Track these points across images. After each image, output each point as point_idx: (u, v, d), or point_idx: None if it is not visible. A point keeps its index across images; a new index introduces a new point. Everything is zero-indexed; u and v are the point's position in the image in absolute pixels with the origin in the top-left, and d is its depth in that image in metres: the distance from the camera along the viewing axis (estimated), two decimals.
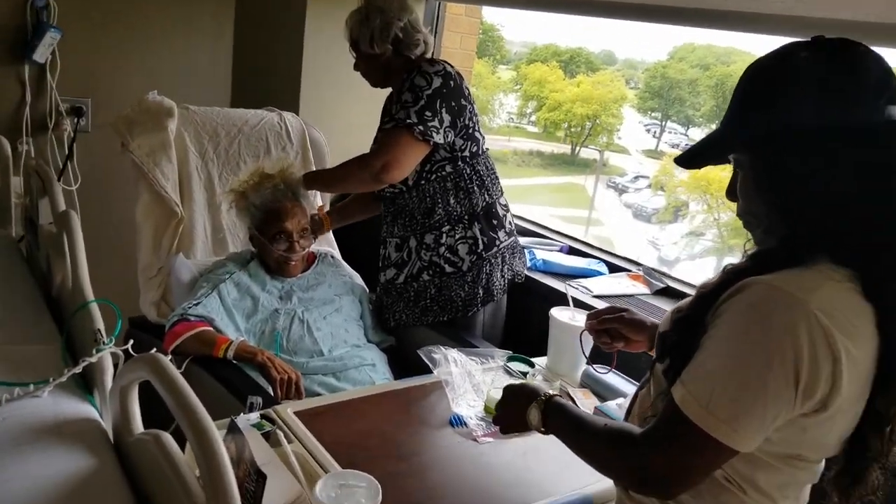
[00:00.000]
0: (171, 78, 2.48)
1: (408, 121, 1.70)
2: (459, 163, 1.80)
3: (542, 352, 1.64)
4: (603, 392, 1.50)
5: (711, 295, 0.86)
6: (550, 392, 1.02)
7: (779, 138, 0.83)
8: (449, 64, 1.80)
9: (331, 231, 2.18)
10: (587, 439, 0.94)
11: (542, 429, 1.01)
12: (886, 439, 0.85)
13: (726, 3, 1.66)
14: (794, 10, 1.54)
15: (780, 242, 0.86)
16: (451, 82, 1.76)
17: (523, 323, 1.97)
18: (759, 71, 0.86)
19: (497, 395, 1.38)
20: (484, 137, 1.88)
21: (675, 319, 0.91)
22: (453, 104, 1.75)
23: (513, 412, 1.06)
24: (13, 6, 2.18)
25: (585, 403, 1.47)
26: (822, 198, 0.82)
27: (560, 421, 0.99)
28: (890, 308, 0.81)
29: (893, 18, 1.37)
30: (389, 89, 1.92)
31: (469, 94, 1.82)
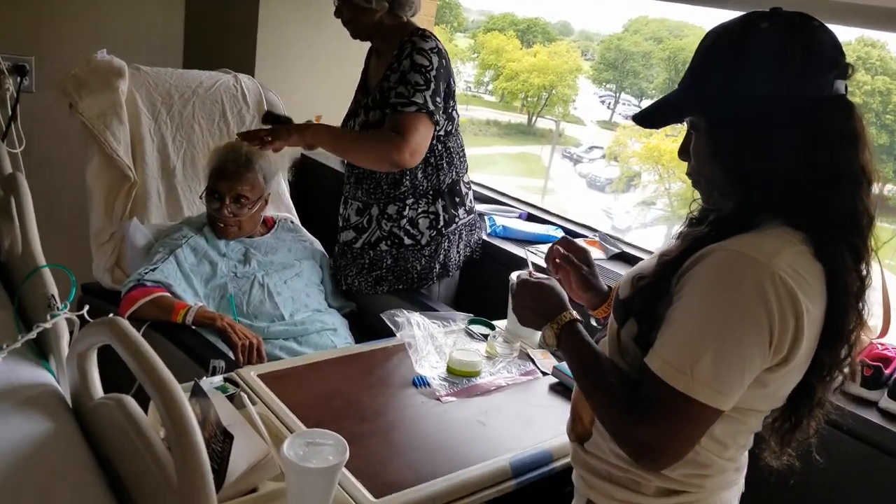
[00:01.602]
0: (121, 36, 2.38)
1: (430, 107, 1.67)
2: (434, 141, 1.79)
3: (501, 315, 1.68)
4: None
5: (674, 262, 0.89)
6: (567, 315, 1.01)
7: (735, 104, 0.86)
8: (435, 37, 1.74)
9: (289, 195, 2.16)
10: (589, 384, 0.95)
11: (553, 348, 1.03)
12: (827, 386, 0.92)
13: None
14: None
15: (735, 207, 0.89)
16: (444, 60, 1.73)
17: (484, 287, 2.00)
18: (721, 36, 0.89)
19: (460, 356, 1.42)
20: (458, 115, 1.86)
21: (639, 287, 0.93)
22: (443, 85, 1.73)
23: (529, 315, 1.06)
24: None
25: (544, 363, 1.52)
26: (772, 164, 0.85)
27: (569, 351, 1.00)
28: (836, 269, 0.86)
29: None
30: (349, 44, 1.86)
31: (453, 72, 1.79)
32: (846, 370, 0.91)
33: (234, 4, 2.40)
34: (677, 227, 1.04)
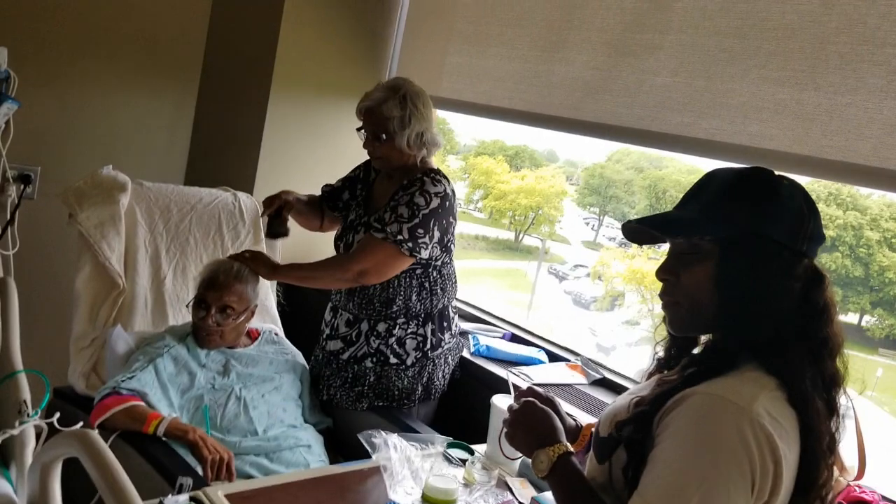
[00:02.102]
0: (127, 154, 2.49)
1: (398, 237, 1.75)
2: (430, 268, 1.87)
3: (482, 438, 1.66)
4: (540, 483, 1.51)
5: (651, 410, 0.91)
6: (565, 446, 1.01)
7: (756, 241, 0.91)
8: (447, 179, 1.85)
9: (275, 307, 2.18)
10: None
11: (542, 476, 1.00)
12: None
13: (655, 125, 1.84)
14: (696, 132, 1.74)
15: (716, 346, 0.92)
16: (447, 202, 1.83)
17: (465, 408, 1.99)
18: (747, 178, 0.95)
19: (436, 483, 1.39)
20: (454, 247, 1.94)
21: (626, 437, 0.93)
22: (444, 222, 1.82)
23: (521, 438, 1.05)
24: None
25: (523, 493, 1.48)
26: (770, 306, 0.90)
27: (562, 482, 0.98)
28: (810, 416, 0.88)
29: (792, 149, 1.57)
30: (345, 161, 2.01)
31: (456, 210, 1.89)
32: None
33: (240, 125, 2.54)
34: (645, 367, 1.07)
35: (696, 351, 1.05)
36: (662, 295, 0.98)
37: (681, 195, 1.01)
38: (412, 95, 1.82)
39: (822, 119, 1.53)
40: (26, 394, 1.20)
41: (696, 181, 1.02)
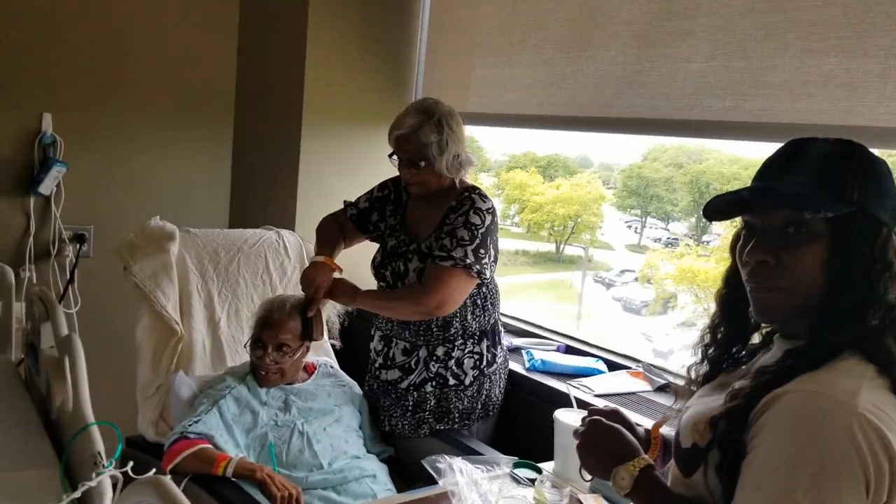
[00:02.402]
0: (172, 203, 2.58)
1: (467, 261, 1.73)
2: (481, 286, 1.85)
3: (546, 456, 1.62)
4: (614, 498, 1.47)
5: (746, 405, 0.84)
6: (645, 459, 0.95)
7: (865, 222, 0.84)
8: (489, 198, 1.85)
9: (326, 338, 2.19)
10: None
11: (625, 494, 0.94)
12: None
13: (695, 113, 1.79)
14: (740, 116, 1.68)
15: (815, 335, 0.84)
16: (496, 218, 1.83)
17: (525, 426, 1.95)
18: (850, 151, 0.87)
19: None
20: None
21: (720, 435, 0.86)
22: (495, 237, 1.83)
23: (596, 461, 0.99)
24: (22, 142, 2.30)
25: None
26: (877, 293, 0.83)
27: (647, 497, 0.92)
28: None
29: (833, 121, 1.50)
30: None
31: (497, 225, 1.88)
32: None
33: (276, 167, 2.59)
34: (699, 370, 1.00)
35: (754, 340, 1.00)
36: (758, 279, 0.89)
37: (725, 188, 0.95)
38: (446, 117, 1.80)
39: (874, 86, 1.45)
40: (100, 445, 1.22)
41: (775, 152, 0.94)
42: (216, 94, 2.67)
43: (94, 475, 1.15)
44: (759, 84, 1.64)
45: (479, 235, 1.76)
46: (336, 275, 1.87)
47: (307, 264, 2.19)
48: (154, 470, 1.05)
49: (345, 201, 2.06)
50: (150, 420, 1.88)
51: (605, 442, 1.00)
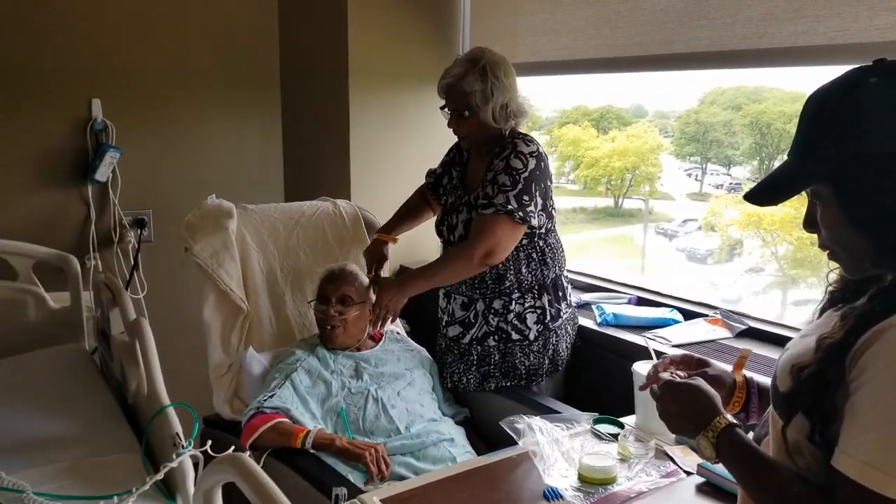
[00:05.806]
0: (227, 181, 2.58)
1: (508, 206, 1.69)
2: (535, 238, 1.80)
3: (625, 410, 1.55)
4: None
5: (841, 345, 0.80)
6: (723, 420, 0.92)
7: (859, 166, 0.80)
8: (536, 141, 1.78)
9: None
10: (766, 498, 0.85)
11: (714, 462, 0.93)
12: None
13: (765, 41, 1.65)
14: (813, 40, 1.56)
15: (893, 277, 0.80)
16: (542, 163, 1.76)
17: (601, 381, 1.89)
18: (827, 100, 0.83)
19: (592, 462, 1.31)
20: (556, 213, 1.86)
21: (805, 378, 0.83)
22: (543, 185, 1.76)
23: (678, 422, 0.98)
24: (74, 130, 2.31)
25: (685, 461, 1.37)
26: None
27: (733, 462, 0.90)
28: None
29: None
30: (431, 148, 1.98)
31: (551, 173, 1.82)
32: None
33: (326, 137, 2.56)
34: (818, 305, 0.94)
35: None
36: (821, 246, 0.90)
37: (787, 127, 0.87)
38: (492, 66, 1.74)
39: None
40: (177, 427, 1.23)
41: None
42: (260, 65, 2.64)
43: (174, 456, 1.16)
44: (835, 3, 1.53)
45: (522, 180, 1.70)
46: (390, 246, 1.93)
47: (365, 232, 2.18)
48: (233, 447, 1.04)
49: (428, 170, 2.07)
50: (224, 398, 1.90)
51: (682, 406, 0.98)
